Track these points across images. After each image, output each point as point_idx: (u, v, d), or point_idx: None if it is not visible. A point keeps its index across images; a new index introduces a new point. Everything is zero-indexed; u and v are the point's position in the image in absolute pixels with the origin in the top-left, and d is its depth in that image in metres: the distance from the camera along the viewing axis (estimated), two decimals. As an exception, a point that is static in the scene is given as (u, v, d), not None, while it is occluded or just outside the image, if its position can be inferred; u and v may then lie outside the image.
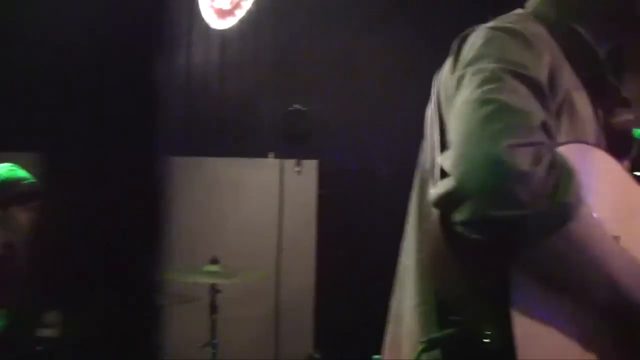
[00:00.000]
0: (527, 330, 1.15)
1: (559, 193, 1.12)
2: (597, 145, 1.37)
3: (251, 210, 5.49)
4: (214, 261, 4.31)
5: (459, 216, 1.17)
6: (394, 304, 1.52)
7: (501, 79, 1.24)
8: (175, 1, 5.64)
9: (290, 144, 5.51)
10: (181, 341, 4.55)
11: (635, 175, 1.42)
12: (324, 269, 5.47)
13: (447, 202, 1.20)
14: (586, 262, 1.21)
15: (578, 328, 1.23)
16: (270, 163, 5.56)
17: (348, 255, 5.31)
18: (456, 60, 1.35)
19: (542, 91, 1.27)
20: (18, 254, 2.77)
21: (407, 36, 5.59)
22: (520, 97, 1.22)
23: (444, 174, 1.23)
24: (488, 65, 1.27)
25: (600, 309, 1.25)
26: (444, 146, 1.32)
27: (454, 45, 1.39)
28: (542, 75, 1.29)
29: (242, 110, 5.69)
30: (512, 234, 1.14)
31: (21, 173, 2.95)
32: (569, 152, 1.19)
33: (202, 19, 5.68)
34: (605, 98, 1.46)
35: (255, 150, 5.59)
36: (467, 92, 1.24)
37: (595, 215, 1.21)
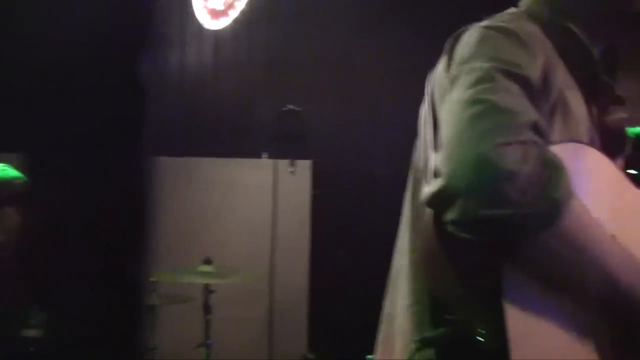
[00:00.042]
0: (520, 329, 1.15)
1: (548, 190, 1.12)
2: (590, 144, 1.37)
3: (245, 210, 5.49)
4: (208, 261, 4.30)
5: (449, 216, 1.17)
6: (387, 303, 1.52)
7: (493, 78, 1.24)
8: (169, 2, 5.64)
9: (284, 144, 5.51)
10: (175, 341, 4.55)
11: (629, 174, 1.42)
12: (318, 269, 5.47)
13: (437, 201, 1.20)
14: (582, 260, 1.21)
15: (572, 327, 1.23)
16: (264, 163, 5.56)
17: (342, 255, 5.31)
18: (450, 59, 1.35)
19: (535, 90, 1.27)
20: (9, 254, 2.76)
21: (401, 36, 5.60)
22: (512, 97, 1.22)
23: (437, 173, 1.23)
24: (480, 64, 1.27)
25: (599, 306, 1.25)
26: (437, 145, 1.32)
27: (448, 44, 1.39)
28: (535, 75, 1.29)
29: (235, 110, 5.69)
30: (502, 233, 1.14)
31: (13, 173, 2.94)
32: (562, 151, 1.19)
33: (196, 20, 5.68)
34: (599, 97, 1.46)
35: (249, 150, 5.59)
36: (459, 92, 1.24)
37: (589, 211, 1.21)
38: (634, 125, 1.51)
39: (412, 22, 5.56)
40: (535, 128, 1.19)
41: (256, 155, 5.59)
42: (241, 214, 5.47)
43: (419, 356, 1.29)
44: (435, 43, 1.44)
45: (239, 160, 5.55)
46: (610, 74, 1.50)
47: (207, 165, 5.50)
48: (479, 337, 1.18)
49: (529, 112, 1.21)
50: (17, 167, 2.93)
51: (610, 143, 1.44)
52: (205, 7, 5.69)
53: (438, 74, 1.39)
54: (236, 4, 5.66)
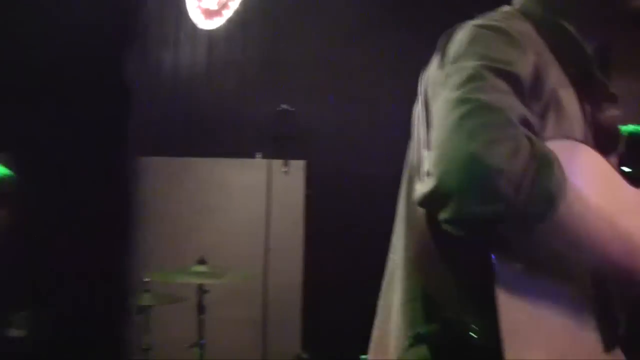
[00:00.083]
0: (513, 324, 1.15)
1: (541, 182, 1.12)
2: (584, 141, 1.38)
3: (239, 210, 5.49)
4: (202, 262, 4.30)
5: (443, 215, 1.17)
6: (382, 302, 1.52)
7: (482, 77, 1.24)
8: (163, 2, 5.64)
9: (277, 144, 5.50)
10: (168, 341, 4.54)
11: (623, 171, 1.42)
12: (311, 269, 5.47)
13: (430, 201, 1.21)
14: (579, 248, 1.22)
15: (565, 321, 1.24)
16: (258, 163, 5.56)
17: (336, 255, 5.31)
18: (442, 57, 1.36)
19: (525, 88, 1.27)
20: None
21: (396, 36, 5.60)
22: (501, 95, 1.22)
23: (429, 172, 1.24)
24: (471, 63, 1.27)
25: (594, 291, 1.26)
26: (430, 143, 1.32)
27: (440, 42, 1.39)
28: (526, 73, 1.29)
29: (229, 110, 5.68)
30: (498, 228, 1.14)
31: (1, 170, 2.92)
32: (556, 148, 1.20)
33: (190, 20, 5.67)
34: (592, 94, 1.46)
35: (242, 150, 5.59)
36: (448, 92, 1.25)
37: (584, 198, 1.22)
38: (627, 123, 1.52)
39: (407, 22, 5.56)
40: (526, 123, 1.20)
41: (250, 155, 5.59)
42: (235, 214, 5.47)
43: (412, 352, 1.29)
44: (430, 43, 1.45)
45: (232, 160, 5.55)
46: (603, 72, 1.50)
47: (201, 165, 5.49)
48: (472, 333, 1.18)
49: (518, 108, 1.22)
50: (4, 165, 2.92)
51: (604, 141, 1.44)
52: (199, 7, 5.69)
53: (431, 72, 1.39)
54: (230, 4, 5.66)
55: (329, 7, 5.69)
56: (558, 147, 1.20)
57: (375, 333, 1.53)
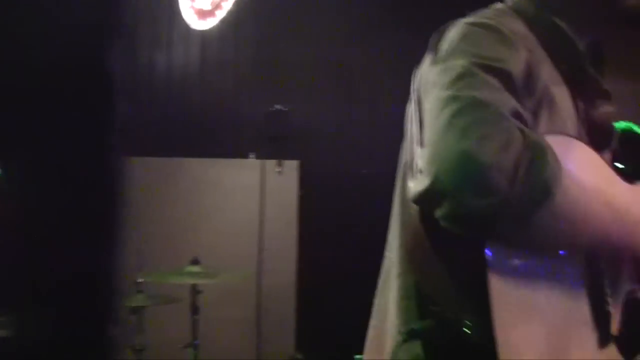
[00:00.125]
0: (506, 319, 1.15)
1: (535, 171, 1.12)
2: (577, 137, 1.38)
3: (232, 210, 5.49)
4: (195, 262, 4.29)
5: (439, 213, 1.17)
6: (378, 300, 1.52)
7: (473, 74, 1.24)
8: (156, 2, 5.64)
9: (271, 144, 5.50)
10: (162, 342, 4.54)
11: (616, 168, 1.43)
12: (305, 269, 5.48)
13: (426, 199, 1.21)
14: (580, 232, 1.23)
15: (559, 317, 1.24)
16: (251, 163, 5.56)
17: (329, 255, 5.32)
18: (435, 55, 1.36)
19: (517, 84, 1.27)
20: None
21: (390, 37, 5.61)
22: (492, 91, 1.22)
23: (422, 171, 1.24)
24: (461, 61, 1.27)
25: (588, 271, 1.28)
26: (423, 141, 1.33)
27: (433, 40, 1.39)
28: (517, 70, 1.29)
29: (223, 111, 5.68)
30: (496, 222, 1.14)
31: None
32: (550, 143, 1.20)
33: (183, 20, 5.67)
34: (585, 91, 1.47)
35: (236, 150, 5.59)
36: (439, 90, 1.25)
37: (580, 181, 1.22)
38: (621, 120, 1.52)
39: (403, 22, 5.57)
40: (517, 116, 1.20)
41: (243, 155, 5.59)
42: (229, 214, 5.47)
43: (405, 349, 1.29)
44: (426, 42, 1.45)
45: (226, 160, 5.55)
46: (596, 68, 1.51)
47: (194, 165, 5.49)
48: (466, 329, 1.18)
49: (510, 102, 1.22)
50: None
51: (597, 137, 1.44)
52: (192, 7, 5.68)
53: (423, 70, 1.39)
54: (223, 4, 5.65)
55: (323, 7, 5.70)
56: (552, 142, 1.20)
57: (371, 333, 1.53)
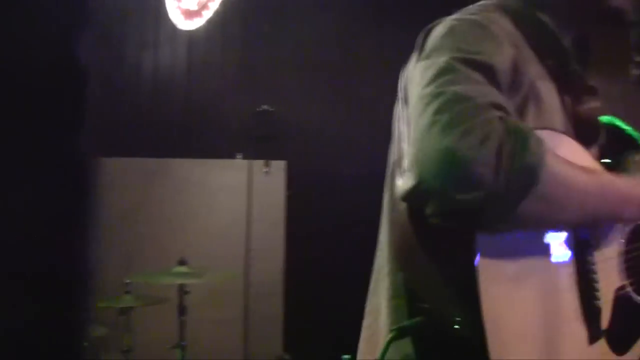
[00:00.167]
0: (495, 315, 1.16)
1: (519, 158, 1.13)
2: (564, 133, 1.39)
3: (219, 211, 5.48)
4: (183, 262, 4.29)
5: (428, 210, 1.18)
6: (370, 300, 1.53)
7: (455, 69, 1.25)
8: (142, 2, 5.62)
9: (258, 144, 5.50)
10: (150, 343, 4.53)
11: (604, 163, 1.44)
12: (292, 269, 5.48)
13: (412, 197, 1.21)
14: (570, 207, 1.24)
15: (549, 313, 1.25)
16: (239, 164, 5.55)
17: (317, 255, 5.32)
18: (420, 54, 1.37)
19: (501, 78, 1.28)
20: None
21: (376, 37, 5.62)
22: (474, 84, 1.22)
23: (408, 169, 1.24)
24: (443, 57, 1.28)
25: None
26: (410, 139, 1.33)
27: (419, 39, 1.40)
28: (502, 64, 1.30)
29: (209, 111, 5.67)
30: (486, 214, 1.14)
31: None
32: None
33: (169, 20, 5.66)
34: (571, 86, 1.48)
35: (223, 151, 5.58)
36: (422, 87, 1.26)
37: (564, 160, 1.23)
38: (607, 114, 1.54)
39: (387, 22, 5.58)
40: (500, 109, 1.20)
41: (231, 155, 5.58)
42: (216, 215, 5.46)
43: (395, 346, 1.29)
44: (410, 41, 1.45)
45: (213, 161, 5.54)
46: (582, 64, 1.52)
47: (181, 166, 5.48)
48: (455, 324, 1.19)
49: (491, 95, 1.22)
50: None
51: (584, 132, 1.45)
52: (179, 7, 5.67)
53: (409, 69, 1.40)
54: (210, 4, 5.65)
55: (309, 7, 5.70)
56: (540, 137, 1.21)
57: (365, 333, 1.53)
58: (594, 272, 1.36)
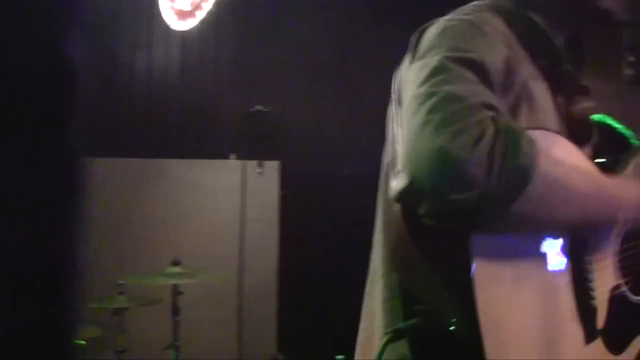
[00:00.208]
0: (491, 316, 1.16)
1: (511, 158, 1.12)
2: (558, 132, 1.40)
3: (213, 211, 5.48)
4: (176, 263, 4.28)
5: (421, 210, 1.18)
6: (366, 302, 1.53)
7: (447, 68, 1.25)
8: (136, 3, 5.61)
9: (252, 145, 5.50)
10: (143, 343, 4.52)
11: (597, 163, 1.44)
12: (286, 269, 5.48)
13: (405, 197, 1.21)
14: (565, 207, 1.24)
15: (546, 313, 1.25)
16: (232, 164, 5.55)
17: (311, 256, 5.32)
18: (414, 54, 1.37)
19: (492, 77, 1.28)
20: None
21: (371, 37, 5.62)
22: (466, 84, 1.23)
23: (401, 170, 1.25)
24: (436, 57, 1.28)
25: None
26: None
27: (413, 40, 1.40)
28: (494, 63, 1.30)
29: (203, 111, 5.67)
30: (479, 214, 1.14)
31: None
32: None
33: (162, 20, 5.65)
34: (564, 86, 1.48)
35: (216, 151, 5.58)
36: (415, 87, 1.26)
37: (558, 160, 1.23)
38: (600, 113, 1.54)
39: (381, 22, 5.58)
40: (492, 108, 1.20)
41: (224, 156, 5.58)
42: (209, 215, 5.46)
43: (391, 348, 1.29)
44: (403, 42, 1.46)
45: (206, 161, 5.54)
46: (575, 64, 1.52)
47: (174, 166, 5.47)
48: (451, 325, 1.19)
49: (483, 95, 1.22)
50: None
51: (577, 132, 1.46)
52: (172, 7, 5.66)
53: (403, 70, 1.40)
54: (203, 4, 5.64)
55: (303, 7, 5.70)
56: (533, 137, 1.21)
57: (361, 336, 1.53)
58: (590, 272, 1.37)
